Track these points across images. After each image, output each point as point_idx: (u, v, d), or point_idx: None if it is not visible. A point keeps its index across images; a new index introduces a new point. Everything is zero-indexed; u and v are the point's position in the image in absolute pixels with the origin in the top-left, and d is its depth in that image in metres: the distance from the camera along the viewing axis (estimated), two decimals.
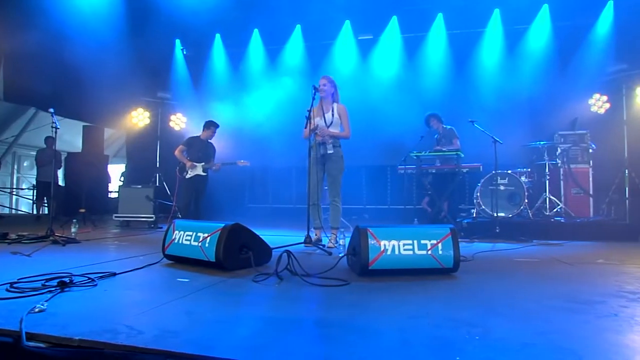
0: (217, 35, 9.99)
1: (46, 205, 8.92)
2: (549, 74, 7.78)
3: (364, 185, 9.73)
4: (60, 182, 9.00)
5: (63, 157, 8.51)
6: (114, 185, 10.82)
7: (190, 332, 1.68)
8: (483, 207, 5.74)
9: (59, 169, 8.49)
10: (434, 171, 6.07)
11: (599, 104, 7.78)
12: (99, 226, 6.73)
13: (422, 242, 2.91)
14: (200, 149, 6.16)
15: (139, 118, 9.55)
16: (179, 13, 8.83)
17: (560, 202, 6.07)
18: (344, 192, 8.45)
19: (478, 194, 5.82)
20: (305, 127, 4.45)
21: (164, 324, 1.74)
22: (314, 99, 4.46)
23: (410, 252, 2.88)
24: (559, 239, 5.12)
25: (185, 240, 3.12)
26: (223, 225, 2.99)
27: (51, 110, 4.80)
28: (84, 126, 9.29)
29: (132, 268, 2.95)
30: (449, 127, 6.50)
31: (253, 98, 9.74)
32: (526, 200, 5.63)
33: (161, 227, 6.72)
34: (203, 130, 6.34)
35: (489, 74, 8.35)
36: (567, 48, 7.94)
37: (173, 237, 3.22)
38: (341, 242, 3.94)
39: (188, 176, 6.07)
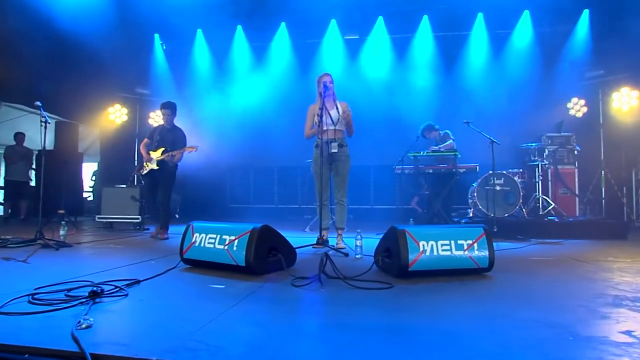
0: (199, 31, 9.65)
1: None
2: (532, 78, 8.03)
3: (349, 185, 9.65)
4: (26, 181, 8.33)
5: (34, 155, 7.91)
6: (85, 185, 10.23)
7: (279, 347, 1.50)
8: (480, 207, 5.81)
9: (31, 167, 7.90)
10: (431, 171, 6.09)
11: (577, 107, 8.14)
12: (81, 228, 6.30)
13: (459, 242, 2.87)
14: (158, 138, 5.46)
15: (116, 114, 9.07)
16: (158, 6, 8.49)
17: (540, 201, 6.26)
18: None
19: (475, 194, 5.89)
20: (318, 126, 4.29)
21: (241, 338, 1.58)
22: (324, 96, 4.33)
23: (448, 253, 2.83)
24: (553, 238, 5.26)
25: (208, 243, 2.92)
26: (252, 227, 2.82)
27: (38, 103, 4.42)
28: (56, 122, 8.70)
29: (154, 274, 2.71)
30: (444, 131, 6.55)
31: (236, 96, 9.50)
32: (521, 200, 5.76)
33: (148, 229, 6.38)
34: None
35: (475, 76, 8.53)
36: (548, 53, 8.23)
37: (193, 241, 3.01)
38: (358, 242, 3.84)
39: (144, 172, 5.42)
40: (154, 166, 5.40)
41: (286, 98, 9.05)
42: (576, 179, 6.64)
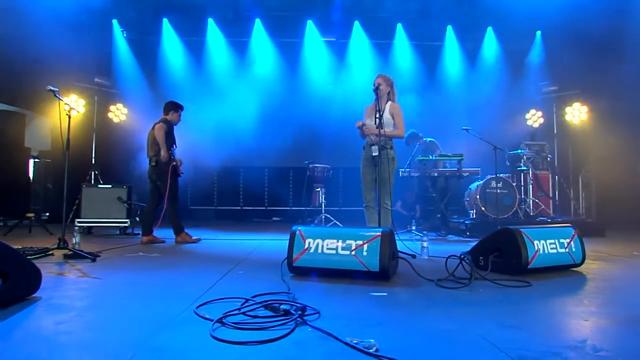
0: (165, 20, 8.91)
1: None
2: (500, 88, 8.74)
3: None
4: None
5: None
6: None
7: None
8: (483, 208, 6.18)
9: None
10: (436, 174, 6.33)
11: (534, 118, 9.07)
12: (55, 234, 5.42)
13: (561, 240, 3.05)
14: (174, 139, 5.12)
15: (71, 106, 7.93)
16: None
17: (530, 204, 6.87)
18: (298, 194, 8.30)
19: (477, 196, 6.25)
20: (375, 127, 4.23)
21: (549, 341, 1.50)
22: (378, 99, 4.27)
23: (555, 251, 2.99)
24: None
25: (328, 249, 2.70)
26: (380, 230, 2.68)
27: (53, 87, 3.73)
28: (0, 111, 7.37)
29: (283, 287, 2.44)
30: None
31: (208, 94, 8.97)
32: (517, 203, 6.25)
33: (138, 233, 5.71)
34: (170, 112, 5.10)
35: (449, 85, 9.08)
36: (512, 67, 9.03)
37: (306, 247, 2.76)
38: (424, 244, 3.86)
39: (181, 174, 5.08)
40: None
41: (257, 97, 8.76)
42: (550, 183, 7.38)
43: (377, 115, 4.14)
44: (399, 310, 1.99)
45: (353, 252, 2.65)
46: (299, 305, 1.85)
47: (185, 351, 1.40)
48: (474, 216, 6.35)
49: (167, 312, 1.86)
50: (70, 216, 7.89)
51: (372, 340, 1.45)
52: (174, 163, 4.85)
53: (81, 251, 3.47)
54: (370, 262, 2.60)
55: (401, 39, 9.23)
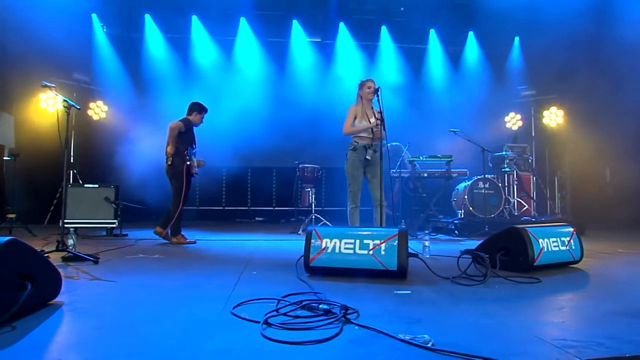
0: (147, 16, 8.70)
1: None
2: (481, 91, 9.00)
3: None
4: None
5: None
6: None
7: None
8: (470, 208, 6.36)
9: None
10: (426, 175, 6.46)
11: (513, 121, 9.39)
12: (38, 235, 5.23)
13: (562, 239, 3.19)
14: (193, 139, 5.02)
15: (48, 102, 7.64)
16: None
17: (514, 204, 7.13)
18: (282, 194, 8.30)
19: (465, 197, 6.43)
20: (377, 127, 4.31)
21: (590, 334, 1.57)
22: (379, 100, 4.33)
23: (557, 249, 3.13)
24: None
25: (345, 249, 2.72)
26: (397, 230, 2.73)
27: (49, 83, 3.58)
28: None
29: (305, 288, 2.45)
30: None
31: (187, 92, 8.80)
32: (502, 203, 6.47)
33: (127, 234, 5.57)
34: (194, 113, 4.96)
35: (434, 86, 9.28)
36: (493, 70, 9.32)
37: (323, 247, 2.77)
38: (426, 243, 3.94)
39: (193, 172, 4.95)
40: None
41: (241, 96, 8.68)
42: (531, 184, 7.68)
43: (379, 117, 4.21)
44: (430, 307, 2.04)
45: (371, 252, 2.69)
46: (339, 304, 1.87)
47: (247, 353, 1.39)
48: (462, 216, 6.52)
49: (203, 314, 1.83)
50: (48, 216, 7.64)
51: (426, 336, 1.48)
52: (188, 163, 4.73)
53: (80, 253, 3.35)
54: (388, 261, 2.65)
55: (386, 41, 9.35)
